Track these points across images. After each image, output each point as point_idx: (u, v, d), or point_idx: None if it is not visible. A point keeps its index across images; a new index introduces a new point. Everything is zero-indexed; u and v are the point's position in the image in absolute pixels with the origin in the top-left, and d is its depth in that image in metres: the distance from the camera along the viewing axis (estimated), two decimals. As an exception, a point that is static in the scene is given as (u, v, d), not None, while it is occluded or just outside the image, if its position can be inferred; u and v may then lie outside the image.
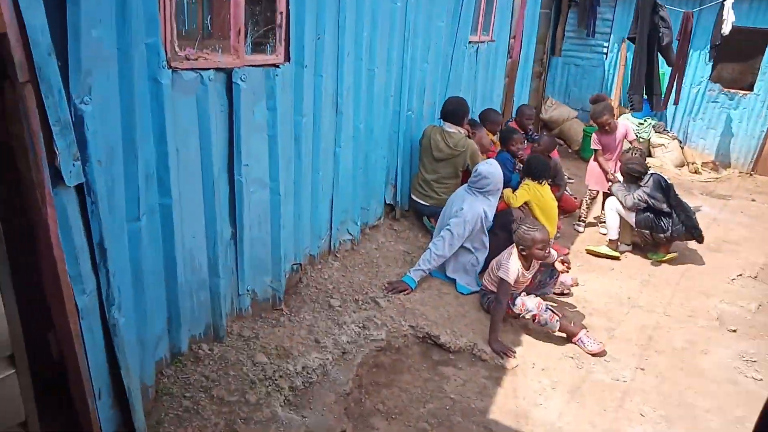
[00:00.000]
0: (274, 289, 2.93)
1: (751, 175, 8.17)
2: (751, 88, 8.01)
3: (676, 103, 6.47)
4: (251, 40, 2.53)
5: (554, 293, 3.90)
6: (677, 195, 4.63)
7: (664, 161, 8.09)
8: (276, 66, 2.65)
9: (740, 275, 4.66)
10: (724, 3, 7.07)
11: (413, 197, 4.36)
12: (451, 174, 4.17)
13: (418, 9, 4.05)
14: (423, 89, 4.48)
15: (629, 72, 4.66)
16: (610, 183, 5.05)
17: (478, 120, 5.61)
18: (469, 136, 4.56)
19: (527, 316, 3.31)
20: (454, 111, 4.16)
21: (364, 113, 3.63)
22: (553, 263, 3.51)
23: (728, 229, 5.76)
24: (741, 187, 7.67)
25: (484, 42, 5.69)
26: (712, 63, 7.86)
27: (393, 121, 4.11)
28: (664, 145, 8.13)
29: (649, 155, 8.31)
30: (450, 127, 4.17)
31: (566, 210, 5.72)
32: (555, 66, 9.00)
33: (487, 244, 3.76)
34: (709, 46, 7.55)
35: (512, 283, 3.31)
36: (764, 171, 8.17)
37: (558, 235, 5.22)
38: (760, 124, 7.98)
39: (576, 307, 3.90)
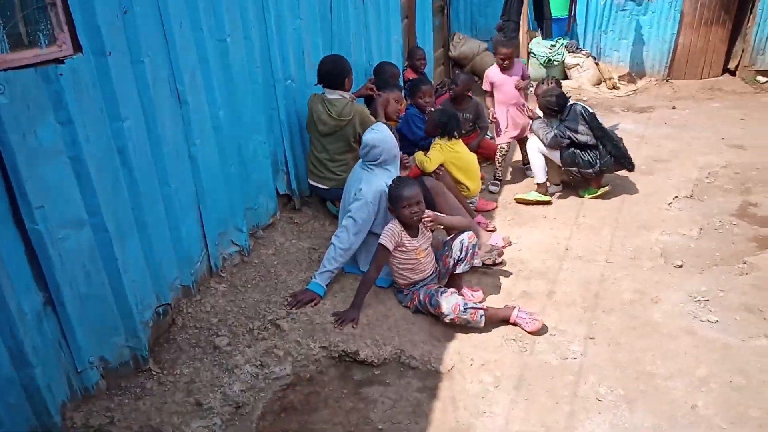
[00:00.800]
0: (133, 348, 2.29)
1: (667, 81, 8.00)
2: (657, -10, 7.71)
3: (568, 31, 5.97)
4: (4, 32, 1.77)
5: (485, 264, 3.45)
6: (601, 124, 4.22)
7: (581, 81, 7.77)
8: (59, 62, 1.91)
9: (676, 197, 4.38)
10: None
11: (311, 181, 3.73)
12: (343, 149, 3.56)
13: (273, -47, 3.29)
14: (301, 51, 3.76)
15: None
16: (530, 120, 4.57)
17: (373, 75, 4.98)
18: (371, 97, 3.95)
19: (446, 321, 2.82)
20: (328, 73, 3.50)
21: (224, 96, 2.91)
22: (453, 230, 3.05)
23: (656, 146, 5.49)
24: (660, 96, 7.48)
25: (369, -17, 4.97)
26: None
27: (268, 97, 3.41)
28: (579, 64, 7.77)
29: (565, 77, 7.95)
30: (331, 94, 3.52)
31: (489, 157, 5.25)
32: (457, -2, 8.36)
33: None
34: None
35: (390, 248, 2.86)
36: (679, 74, 8.02)
37: (484, 187, 4.78)
38: (670, 26, 7.74)
39: (512, 273, 3.47)
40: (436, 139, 3.98)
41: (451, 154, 3.93)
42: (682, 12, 7.61)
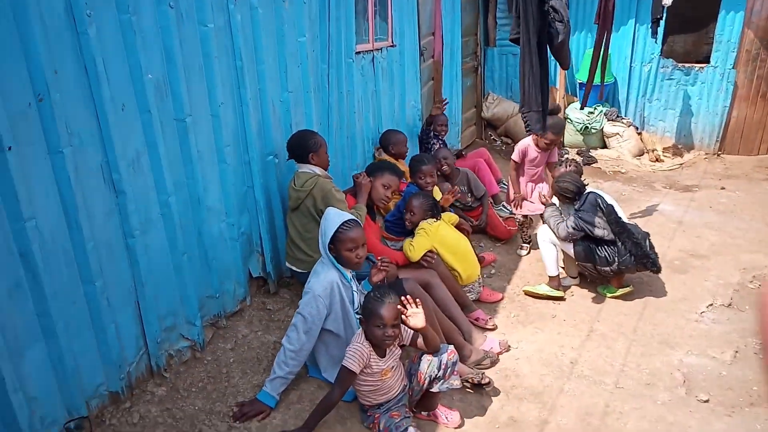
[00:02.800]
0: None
1: (718, 155, 7.33)
2: (707, 60, 7.17)
3: (600, 97, 5.59)
4: None
5: (470, 382, 2.95)
6: (620, 218, 3.73)
7: (621, 152, 7.24)
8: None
9: (710, 305, 3.78)
10: (664, -30, 6.19)
11: (287, 264, 3.42)
12: (309, 225, 3.24)
13: (254, 27, 3.09)
14: (289, 124, 3.53)
15: (522, 78, 3.68)
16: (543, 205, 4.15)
17: (380, 144, 4.72)
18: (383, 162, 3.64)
19: None
20: (292, 149, 3.29)
21: (177, 179, 2.67)
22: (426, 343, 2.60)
23: (695, 237, 4.88)
24: (709, 173, 6.83)
25: (380, 49, 4.76)
26: (660, 38, 6.99)
27: (242, 176, 3.16)
28: (618, 134, 7.26)
29: (605, 146, 7.45)
30: (302, 167, 3.28)
31: (499, 237, 4.84)
32: (491, 58, 8.09)
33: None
34: (649, 21, 6.67)
35: (356, 371, 2.44)
36: (733, 149, 7.34)
37: (492, 271, 4.34)
38: (722, 98, 7.14)
39: (501, 392, 2.98)
40: (422, 222, 3.62)
41: (437, 238, 3.55)
42: (735, 84, 7.02)
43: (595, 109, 7.33)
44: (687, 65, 7.22)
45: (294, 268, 3.36)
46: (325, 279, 2.64)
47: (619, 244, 3.65)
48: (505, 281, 4.22)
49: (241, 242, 3.19)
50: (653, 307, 3.76)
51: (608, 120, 7.35)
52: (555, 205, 3.99)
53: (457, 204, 4.81)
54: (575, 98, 7.70)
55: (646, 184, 6.41)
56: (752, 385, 2.98)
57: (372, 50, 4.58)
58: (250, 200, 3.25)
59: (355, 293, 2.81)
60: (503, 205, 5.40)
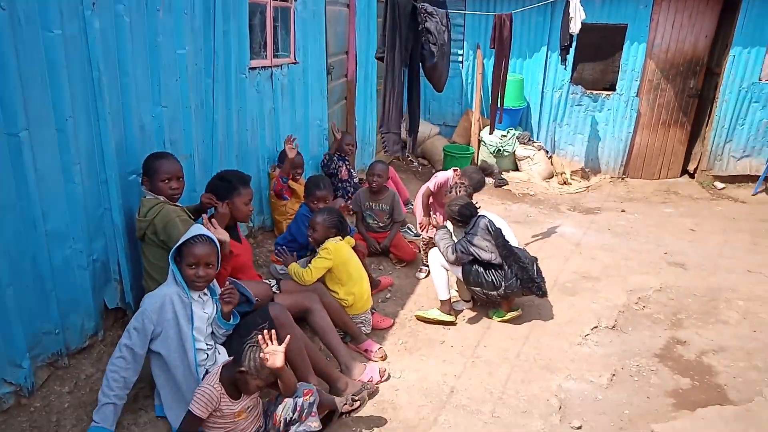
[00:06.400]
0: None
1: (623, 179, 7.65)
2: (613, 87, 7.50)
3: (499, 121, 5.77)
4: None
5: (343, 412, 2.80)
6: (507, 242, 3.72)
7: (531, 174, 7.40)
8: None
9: (595, 327, 3.82)
10: (570, 0, 6.43)
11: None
12: (158, 252, 2.93)
13: (119, 36, 2.87)
14: (162, 141, 3.30)
15: (383, 98, 3.65)
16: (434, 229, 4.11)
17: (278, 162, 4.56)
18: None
19: None
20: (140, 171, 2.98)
21: (4, 201, 2.39)
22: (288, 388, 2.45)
23: (590, 258, 4.98)
24: (612, 195, 7.09)
25: (280, 66, 4.61)
26: (570, 65, 7.24)
27: (96, 197, 2.89)
28: (530, 157, 7.43)
29: (516, 169, 7.60)
30: (148, 193, 2.96)
31: (403, 258, 4.75)
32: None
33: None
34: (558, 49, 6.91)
35: (202, 416, 2.25)
36: (636, 173, 7.69)
37: (388, 295, 4.23)
38: (626, 125, 7.47)
39: (374, 427, 2.84)
40: (327, 241, 3.47)
41: (341, 258, 3.42)
42: (638, 111, 7.37)
43: (508, 132, 7.47)
44: (595, 92, 7.52)
45: (148, 300, 3.09)
46: (158, 293, 2.45)
47: (506, 268, 3.64)
48: (399, 306, 4.11)
49: (92, 270, 2.90)
50: (540, 331, 3.75)
51: (520, 143, 7.52)
52: (446, 228, 3.95)
53: (372, 223, 4.70)
54: (488, 121, 7.84)
55: (552, 207, 6.55)
56: (624, 409, 2.99)
57: (270, 66, 4.43)
58: (106, 223, 2.97)
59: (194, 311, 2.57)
60: (408, 228, 5.35)
